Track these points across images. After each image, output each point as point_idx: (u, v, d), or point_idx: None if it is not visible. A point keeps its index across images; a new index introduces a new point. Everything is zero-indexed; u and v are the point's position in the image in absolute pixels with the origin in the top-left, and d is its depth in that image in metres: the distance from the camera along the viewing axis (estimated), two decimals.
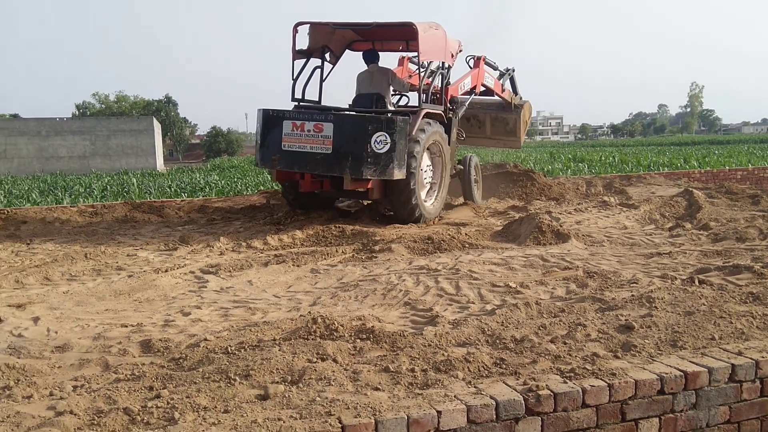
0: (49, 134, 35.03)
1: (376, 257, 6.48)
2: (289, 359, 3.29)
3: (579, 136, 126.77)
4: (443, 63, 9.41)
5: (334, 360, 3.33)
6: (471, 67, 10.91)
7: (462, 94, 10.71)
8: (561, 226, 7.42)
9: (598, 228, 8.08)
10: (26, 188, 18.50)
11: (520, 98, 12.39)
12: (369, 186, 8.34)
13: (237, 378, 3.07)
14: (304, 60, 9.41)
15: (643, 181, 14.05)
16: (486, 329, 3.78)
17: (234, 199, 11.51)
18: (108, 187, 17.72)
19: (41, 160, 34.47)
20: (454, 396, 2.85)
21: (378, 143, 7.89)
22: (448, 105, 9.82)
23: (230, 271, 6.05)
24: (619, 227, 8.15)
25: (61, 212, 10.01)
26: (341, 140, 8.02)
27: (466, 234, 7.36)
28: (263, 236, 7.66)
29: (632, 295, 4.48)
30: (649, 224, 8.37)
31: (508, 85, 12.09)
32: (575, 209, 9.54)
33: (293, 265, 6.28)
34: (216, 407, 2.77)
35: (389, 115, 8.36)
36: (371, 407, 2.72)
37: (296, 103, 9.29)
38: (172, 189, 17.04)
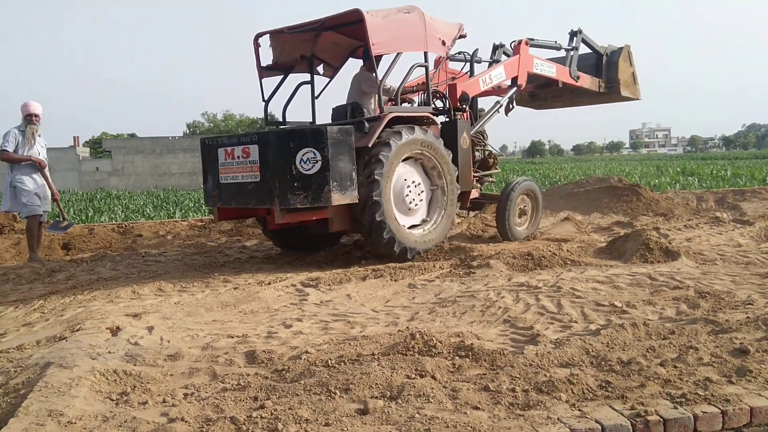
0: (162, 152, 37.02)
1: (474, 273, 6.42)
2: (388, 374, 3.30)
3: (688, 148, 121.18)
4: (425, 54, 7.56)
5: (433, 377, 3.31)
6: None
7: (496, 88, 9.10)
8: (670, 243, 7.08)
9: (710, 245, 7.65)
10: (141, 203, 19.63)
11: (606, 53, 10.60)
12: (326, 215, 6.87)
13: (337, 391, 3.12)
14: (281, 76, 8.26)
15: (758, 196, 13.23)
16: (590, 350, 3.65)
17: None
18: None
19: (155, 177, 36.45)
20: (557, 419, 2.77)
21: (305, 163, 6.39)
22: (459, 104, 8.06)
23: (329, 285, 6.16)
24: (733, 245, 7.69)
25: (173, 226, 10.55)
26: (267, 164, 6.61)
27: (567, 250, 7.16)
28: (359, 251, 7.77)
29: (748, 317, 4.22)
30: (765, 242, 7.85)
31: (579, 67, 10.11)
32: (685, 225, 9.10)
33: (391, 279, 6.32)
34: (317, 420, 2.82)
35: (318, 126, 6.98)
36: (471, 427, 2.68)
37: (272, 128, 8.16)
38: None
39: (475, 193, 8.58)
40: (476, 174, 8.58)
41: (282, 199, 6.46)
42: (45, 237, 8.92)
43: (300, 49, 8.15)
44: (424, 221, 7.48)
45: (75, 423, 2.91)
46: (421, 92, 8.47)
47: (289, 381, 3.38)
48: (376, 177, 6.68)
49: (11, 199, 8.18)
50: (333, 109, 8.24)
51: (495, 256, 6.96)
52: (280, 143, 6.50)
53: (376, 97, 7.48)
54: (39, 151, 8.18)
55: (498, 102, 8.99)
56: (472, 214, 10.30)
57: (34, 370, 3.65)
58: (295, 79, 8.44)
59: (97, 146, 49.63)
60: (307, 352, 3.86)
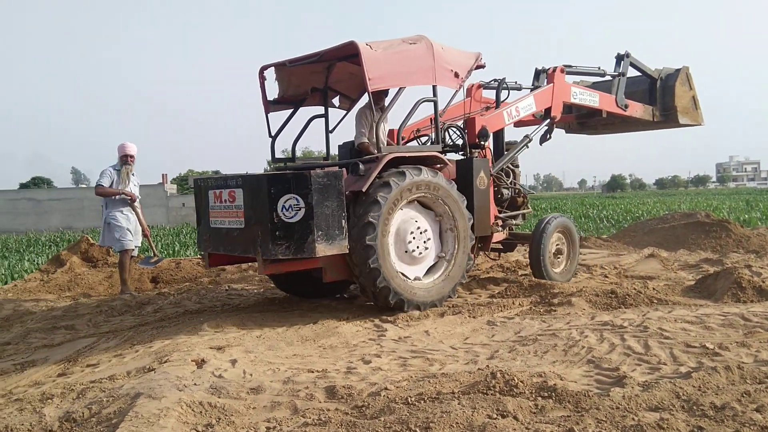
0: None
1: (555, 311, 6.28)
2: (469, 414, 3.26)
3: None
4: (434, 88, 6.84)
5: (515, 417, 3.25)
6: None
7: (525, 120, 8.46)
8: (764, 282, 6.73)
9: None
10: None
11: (661, 76, 9.71)
12: (317, 264, 6.37)
13: (417, 429, 3.10)
14: (291, 110, 7.75)
15: None
16: (681, 393, 3.50)
17: None
18: None
19: None
20: None
21: (287, 210, 5.90)
22: (477, 140, 7.38)
23: (407, 321, 6.15)
24: None
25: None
26: (251, 209, 6.15)
27: (653, 288, 6.92)
28: None
29: None
30: None
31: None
32: None
33: (469, 316, 6.26)
34: None
35: (301, 170, 6.25)
36: None
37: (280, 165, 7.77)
38: None
39: (500, 235, 7.91)
40: (501, 215, 7.90)
41: (264, 248, 5.97)
42: (135, 270, 9.32)
43: (311, 82, 7.69)
44: (430, 271, 6.75)
45: None
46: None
47: (369, 417, 3.38)
48: (370, 219, 6.08)
49: (106, 234, 8.63)
50: (339, 146, 7.98)
51: (576, 293, 6.79)
52: (261, 188, 6.01)
53: (376, 136, 6.95)
54: (132, 189, 8.61)
55: (527, 136, 8.27)
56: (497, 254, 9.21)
57: (125, 400, 3.80)
58: (307, 112, 7.97)
59: (183, 183, 51.72)
60: (386, 388, 3.86)
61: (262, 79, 7.39)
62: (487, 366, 4.28)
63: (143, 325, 6.53)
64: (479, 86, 8.48)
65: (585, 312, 6.15)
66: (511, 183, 8.13)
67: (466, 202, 6.81)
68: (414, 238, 6.53)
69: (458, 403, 3.40)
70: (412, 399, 3.56)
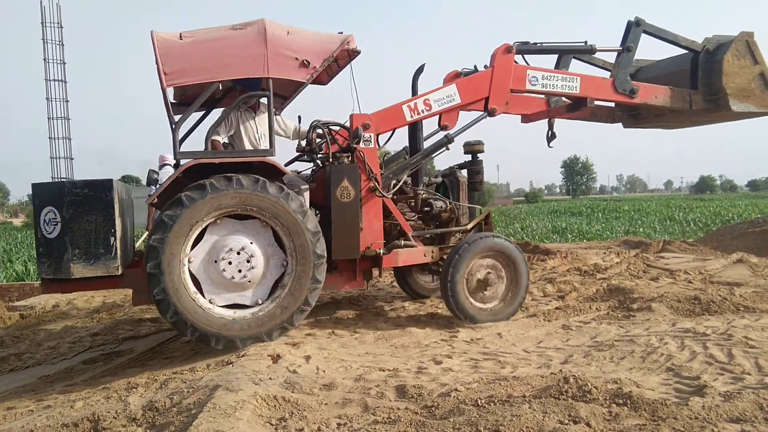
0: None
1: (633, 316, 6.09)
2: (539, 418, 3.22)
3: None
4: (267, 81, 5.57)
5: (587, 424, 3.18)
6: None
7: (440, 116, 6.47)
8: None
9: None
10: None
11: (709, 47, 7.08)
12: (120, 284, 5.66)
13: None
14: (203, 111, 6.70)
15: None
16: (765, 405, 3.34)
17: None
18: None
19: None
20: None
21: (47, 224, 5.26)
22: (351, 141, 6.09)
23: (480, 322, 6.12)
24: None
25: None
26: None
27: (740, 295, 6.60)
28: None
29: None
30: None
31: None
32: None
33: (543, 319, 6.17)
34: None
35: (61, 181, 5.69)
36: None
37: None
38: None
39: (416, 257, 6.41)
40: (411, 234, 6.38)
41: (38, 266, 5.48)
42: None
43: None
44: (270, 299, 5.50)
45: None
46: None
47: (439, 418, 3.40)
48: (153, 243, 5.20)
49: None
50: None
51: (657, 299, 6.56)
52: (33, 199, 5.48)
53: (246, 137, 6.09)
54: None
55: (446, 136, 6.41)
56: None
57: (204, 392, 3.95)
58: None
59: None
60: (456, 389, 3.86)
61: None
62: (560, 370, 4.21)
63: None
64: (456, 75, 7.08)
65: (666, 318, 5.95)
66: (425, 194, 6.79)
67: (310, 219, 5.50)
68: (230, 261, 5.35)
69: (529, 407, 3.36)
70: (482, 401, 3.54)
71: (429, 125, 6.75)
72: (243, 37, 5.70)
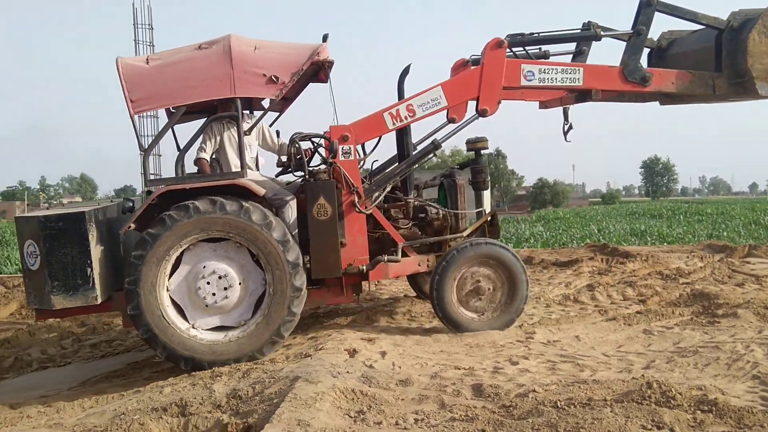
0: None
1: (718, 322, 5.87)
2: (622, 423, 3.17)
3: None
4: (235, 101, 5.49)
5: (671, 430, 3.12)
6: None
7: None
8: None
9: None
10: None
11: (733, 23, 6.20)
12: (109, 308, 5.72)
13: None
14: (204, 119, 6.19)
15: None
16: None
17: (560, 251, 11.48)
18: None
19: None
20: None
21: (29, 257, 5.32)
22: (328, 155, 5.83)
23: (558, 325, 6.04)
24: None
25: None
26: None
27: None
28: (590, 291, 7.51)
29: None
30: None
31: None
32: None
33: (624, 323, 6.03)
34: None
35: (38, 213, 5.56)
36: None
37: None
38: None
39: (409, 267, 6.14)
40: (402, 244, 6.01)
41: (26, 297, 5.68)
42: None
43: None
44: (245, 322, 5.40)
45: None
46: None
47: (517, 418, 3.39)
48: (133, 260, 5.21)
49: None
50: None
51: (743, 305, 6.30)
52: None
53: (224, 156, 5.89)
54: None
55: (433, 142, 6.06)
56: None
57: (285, 382, 4.07)
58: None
59: None
60: (534, 390, 3.83)
61: None
62: (643, 375, 4.12)
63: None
64: (463, 63, 6.63)
65: (752, 325, 5.71)
66: (416, 201, 6.42)
67: (291, 250, 5.36)
68: (207, 284, 5.30)
69: (610, 411, 3.31)
70: (562, 403, 3.51)
71: (425, 127, 6.37)
72: (208, 58, 5.58)
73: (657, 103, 7.02)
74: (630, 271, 8.62)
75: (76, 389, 5.57)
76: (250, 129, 5.82)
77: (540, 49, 6.48)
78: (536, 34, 6.29)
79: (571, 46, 6.79)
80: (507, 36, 6.09)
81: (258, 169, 6.17)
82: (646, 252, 9.97)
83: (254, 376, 4.47)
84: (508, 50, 6.07)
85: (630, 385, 3.77)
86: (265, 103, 6.42)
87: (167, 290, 5.30)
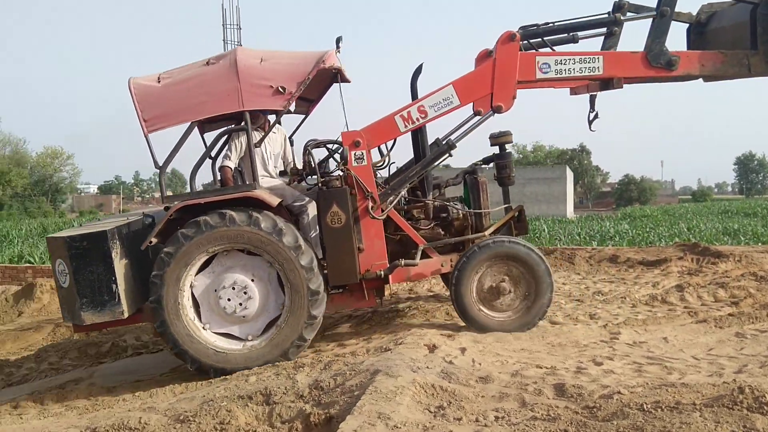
0: None
1: None
2: (711, 428, 3.05)
3: None
4: (246, 114, 5.56)
5: None
6: None
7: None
8: None
9: None
10: None
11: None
12: (139, 320, 6.00)
13: None
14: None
15: None
16: None
17: (647, 250, 11.09)
18: None
19: None
20: None
21: (60, 275, 5.52)
22: (341, 162, 5.83)
23: (644, 325, 5.86)
24: None
25: None
26: None
27: None
28: (679, 292, 7.24)
29: None
30: None
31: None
32: None
33: (715, 326, 5.79)
34: None
35: (65, 234, 5.66)
36: None
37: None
38: (581, 236, 17.24)
39: (431, 268, 6.06)
40: (421, 247, 5.88)
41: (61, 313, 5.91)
42: None
43: None
44: (268, 332, 5.54)
45: (400, 428, 3.24)
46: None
47: (601, 420, 3.32)
48: (153, 280, 5.39)
49: None
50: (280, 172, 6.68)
51: None
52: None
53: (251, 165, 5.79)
54: None
55: (447, 142, 5.92)
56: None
57: (365, 375, 4.13)
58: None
59: None
60: (619, 392, 3.74)
61: None
62: (734, 380, 3.95)
63: (377, 311, 6.99)
64: (486, 53, 6.33)
65: None
66: (436, 202, 6.34)
67: (304, 254, 5.41)
68: (228, 296, 5.47)
69: (700, 416, 3.19)
70: (648, 406, 3.41)
71: (440, 128, 6.18)
72: (215, 73, 5.68)
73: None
74: (722, 271, 8.25)
75: (168, 375, 5.86)
76: (259, 142, 5.88)
77: (569, 34, 6.16)
78: (551, 24, 6.06)
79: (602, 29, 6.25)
80: (519, 28, 5.93)
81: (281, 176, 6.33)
82: (739, 252, 9.50)
83: (335, 368, 4.57)
84: (524, 42, 5.92)
85: (720, 390, 3.62)
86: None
87: (190, 302, 5.48)
